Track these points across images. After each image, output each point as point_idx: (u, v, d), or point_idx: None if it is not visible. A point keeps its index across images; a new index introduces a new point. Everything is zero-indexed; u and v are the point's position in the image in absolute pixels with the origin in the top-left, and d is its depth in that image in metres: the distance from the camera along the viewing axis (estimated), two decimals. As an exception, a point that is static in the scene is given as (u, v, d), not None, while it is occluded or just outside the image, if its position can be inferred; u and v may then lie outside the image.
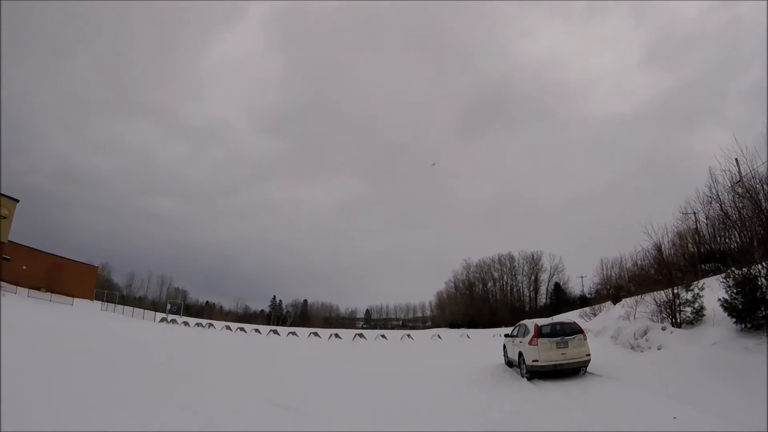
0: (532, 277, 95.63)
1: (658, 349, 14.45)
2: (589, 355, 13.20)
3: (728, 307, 12.38)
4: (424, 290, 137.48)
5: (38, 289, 50.80)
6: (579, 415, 8.71)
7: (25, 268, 51.77)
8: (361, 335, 48.91)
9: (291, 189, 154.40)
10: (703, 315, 15.02)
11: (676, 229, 25.63)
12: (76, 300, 51.68)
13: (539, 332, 13.57)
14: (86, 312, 42.57)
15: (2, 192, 47.73)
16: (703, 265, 22.71)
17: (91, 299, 62.10)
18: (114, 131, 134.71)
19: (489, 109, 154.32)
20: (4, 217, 46.82)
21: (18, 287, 46.40)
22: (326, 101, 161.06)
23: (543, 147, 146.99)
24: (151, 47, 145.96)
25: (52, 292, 50.95)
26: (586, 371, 13.27)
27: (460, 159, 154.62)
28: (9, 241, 48.88)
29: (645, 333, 15.79)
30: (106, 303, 58.48)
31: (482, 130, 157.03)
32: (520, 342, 14.52)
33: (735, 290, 12.16)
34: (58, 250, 67.64)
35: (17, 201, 49.08)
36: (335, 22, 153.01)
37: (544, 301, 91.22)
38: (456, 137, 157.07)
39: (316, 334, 49.69)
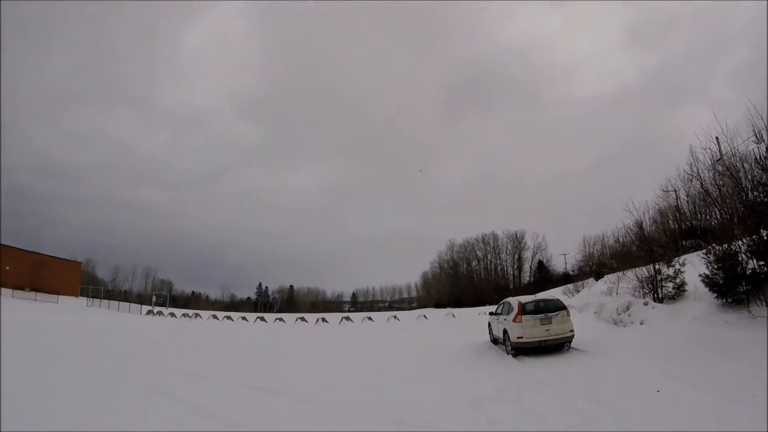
0: (516, 256, 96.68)
1: (641, 324, 14.63)
2: (572, 331, 13.27)
3: (709, 282, 12.52)
4: (409, 271, 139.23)
5: (22, 288, 49.86)
6: (563, 390, 8.72)
7: (8, 268, 50.85)
8: (347, 318, 48.93)
9: (275, 174, 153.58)
10: (684, 290, 15.22)
11: (657, 207, 25.81)
12: (62, 297, 50.93)
13: (523, 309, 13.59)
14: (72, 309, 42.16)
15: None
16: (684, 242, 22.92)
17: (77, 296, 61.13)
18: (94, 123, 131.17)
19: (472, 90, 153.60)
20: None
21: (2, 288, 45.46)
22: (307, 84, 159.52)
23: (526, 128, 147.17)
24: (127, 34, 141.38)
25: (37, 290, 50.05)
26: (570, 347, 13.35)
27: (443, 140, 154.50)
28: (-12, 242, 47.58)
29: (627, 308, 15.94)
30: (91, 299, 57.66)
31: (465, 111, 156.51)
32: (505, 319, 14.54)
33: (716, 266, 12.29)
34: (41, 247, 66.63)
35: (-7, 201, 47.87)
36: (314, 2, 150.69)
37: (527, 278, 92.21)
38: (440, 118, 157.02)
39: (302, 319, 49.64)
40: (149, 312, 51.84)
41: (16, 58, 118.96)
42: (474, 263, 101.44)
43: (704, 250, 13.58)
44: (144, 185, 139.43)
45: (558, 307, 13.69)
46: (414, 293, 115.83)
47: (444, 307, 78.54)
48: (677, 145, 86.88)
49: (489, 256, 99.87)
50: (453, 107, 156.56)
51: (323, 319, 47.91)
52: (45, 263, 57.64)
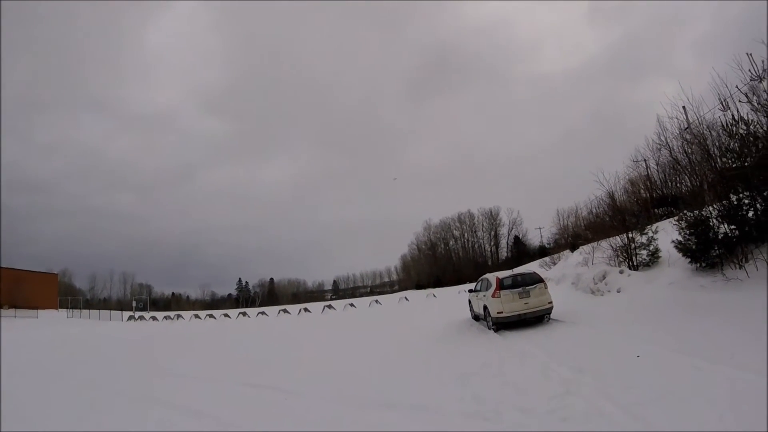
0: (492, 233, 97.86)
1: (618, 291, 14.81)
2: (551, 302, 13.37)
3: (682, 248, 12.72)
4: (388, 255, 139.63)
5: (1, 306, 48.77)
6: (545, 361, 8.75)
7: None
8: (329, 306, 48.76)
9: (247, 168, 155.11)
10: (658, 257, 15.44)
11: (627, 177, 26.10)
12: (41, 311, 49.90)
13: (501, 285, 13.66)
14: (52, 322, 41.27)
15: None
16: (656, 210, 23.25)
17: (56, 308, 60.08)
18: (61, 131, 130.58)
19: (438, 71, 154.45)
20: None
21: None
22: (272, 75, 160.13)
23: (494, 106, 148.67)
24: (89, 39, 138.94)
25: (16, 307, 48.79)
26: (549, 318, 13.45)
27: (413, 123, 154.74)
28: (-39, 263, 45.90)
29: (604, 277, 16.13)
30: (71, 310, 56.59)
31: (433, 93, 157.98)
32: (484, 296, 14.62)
33: (688, 232, 12.47)
34: (15, 262, 65.20)
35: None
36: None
37: (505, 254, 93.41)
38: (408, 102, 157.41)
39: (285, 311, 49.24)
40: (131, 318, 50.96)
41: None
42: (451, 242, 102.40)
43: (676, 217, 13.78)
44: (117, 190, 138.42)
45: (535, 280, 13.77)
46: (394, 276, 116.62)
47: (424, 288, 79.03)
48: (644, 117, 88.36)
49: (466, 234, 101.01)
50: (421, 90, 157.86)
51: (306, 309, 47.65)
52: (21, 279, 56.33)
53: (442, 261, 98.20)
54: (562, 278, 20.69)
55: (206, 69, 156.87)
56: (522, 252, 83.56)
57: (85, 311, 56.51)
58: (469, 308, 17.60)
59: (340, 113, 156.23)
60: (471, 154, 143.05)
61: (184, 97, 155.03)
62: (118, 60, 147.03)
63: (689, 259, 12.55)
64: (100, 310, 56.41)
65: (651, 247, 15.77)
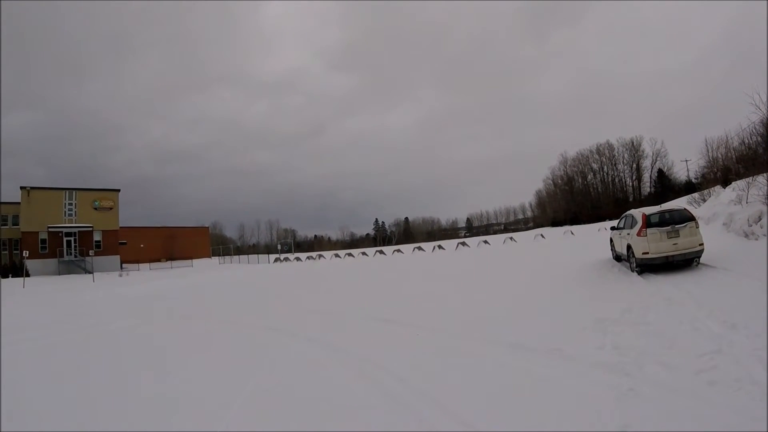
0: (634, 165, 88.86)
1: (774, 236, 13.25)
2: (702, 244, 12.24)
3: None
4: (522, 191, 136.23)
5: (158, 260, 56.44)
6: (694, 311, 8.17)
7: (142, 246, 58.34)
8: (463, 243, 48.69)
9: (374, 117, 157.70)
10: (823, 197, 13.54)
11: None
12: (196, 260, 56.80)
13: (647, 222, 12.67)
14: (205, 268, 46.91)
15: (104, 187, 52.65)
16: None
17: (209, 256, 68.52)
18: (198, 108, 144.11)
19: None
20: (110, 209, 51.28)
21: (140, 264, 51.55)
22: (390, 24, 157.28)
23: (620, 31, 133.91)
24: (209, 18, 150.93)
25: (172, 259, 56.65)
26: (699, 262, 12.38)
27: (537, 55, 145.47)
28: (121, 227, 53.29)
29: (760, 218, 14.48)
30: (223, 257, 63.14)
31: (555, 21, 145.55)
32: (628, 234, 13.71)
33: None
34: (169, 221, 74.63)
35: (118, 191, 53.19)
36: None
37: (648, 189, 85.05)
38: (529, 32, 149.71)
39: (420, 248, 50.06)
40: (276, 259, 54.54)
41: (115, 69, 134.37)
42: (590, 176, 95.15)
43: None
44: (254, 150, 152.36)
45: (686, 218, 12.54)
46: (529, 213, 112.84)
47: (561, 225, 76.19)
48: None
49: (605, 167, 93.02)
50: (542, 20, 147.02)
51: (439, 246, 48.01)
52: (175, 234, 65.63)
53: (579, 196, 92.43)
54: (713, 217, 18.83)
55: (325, 29, 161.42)
56: (666, 187, 76.52)
57: (236, 257, 62.77)
58: (610, 247, 16.77)
59: (460, 53, 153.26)
60: (603, 82, 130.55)
61: (308, 59, 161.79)
62: (239, 34, 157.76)
63: None
64: (249, 255, 62.07)
65: (814, 185, 13.85)
